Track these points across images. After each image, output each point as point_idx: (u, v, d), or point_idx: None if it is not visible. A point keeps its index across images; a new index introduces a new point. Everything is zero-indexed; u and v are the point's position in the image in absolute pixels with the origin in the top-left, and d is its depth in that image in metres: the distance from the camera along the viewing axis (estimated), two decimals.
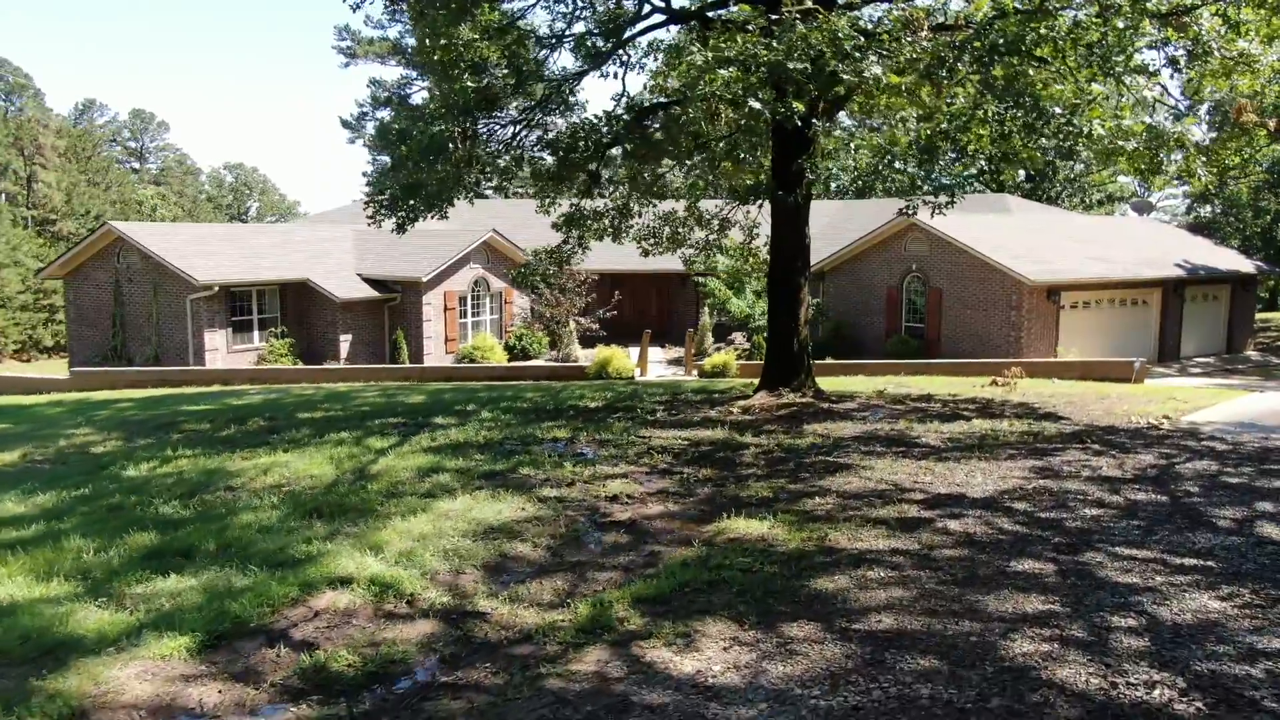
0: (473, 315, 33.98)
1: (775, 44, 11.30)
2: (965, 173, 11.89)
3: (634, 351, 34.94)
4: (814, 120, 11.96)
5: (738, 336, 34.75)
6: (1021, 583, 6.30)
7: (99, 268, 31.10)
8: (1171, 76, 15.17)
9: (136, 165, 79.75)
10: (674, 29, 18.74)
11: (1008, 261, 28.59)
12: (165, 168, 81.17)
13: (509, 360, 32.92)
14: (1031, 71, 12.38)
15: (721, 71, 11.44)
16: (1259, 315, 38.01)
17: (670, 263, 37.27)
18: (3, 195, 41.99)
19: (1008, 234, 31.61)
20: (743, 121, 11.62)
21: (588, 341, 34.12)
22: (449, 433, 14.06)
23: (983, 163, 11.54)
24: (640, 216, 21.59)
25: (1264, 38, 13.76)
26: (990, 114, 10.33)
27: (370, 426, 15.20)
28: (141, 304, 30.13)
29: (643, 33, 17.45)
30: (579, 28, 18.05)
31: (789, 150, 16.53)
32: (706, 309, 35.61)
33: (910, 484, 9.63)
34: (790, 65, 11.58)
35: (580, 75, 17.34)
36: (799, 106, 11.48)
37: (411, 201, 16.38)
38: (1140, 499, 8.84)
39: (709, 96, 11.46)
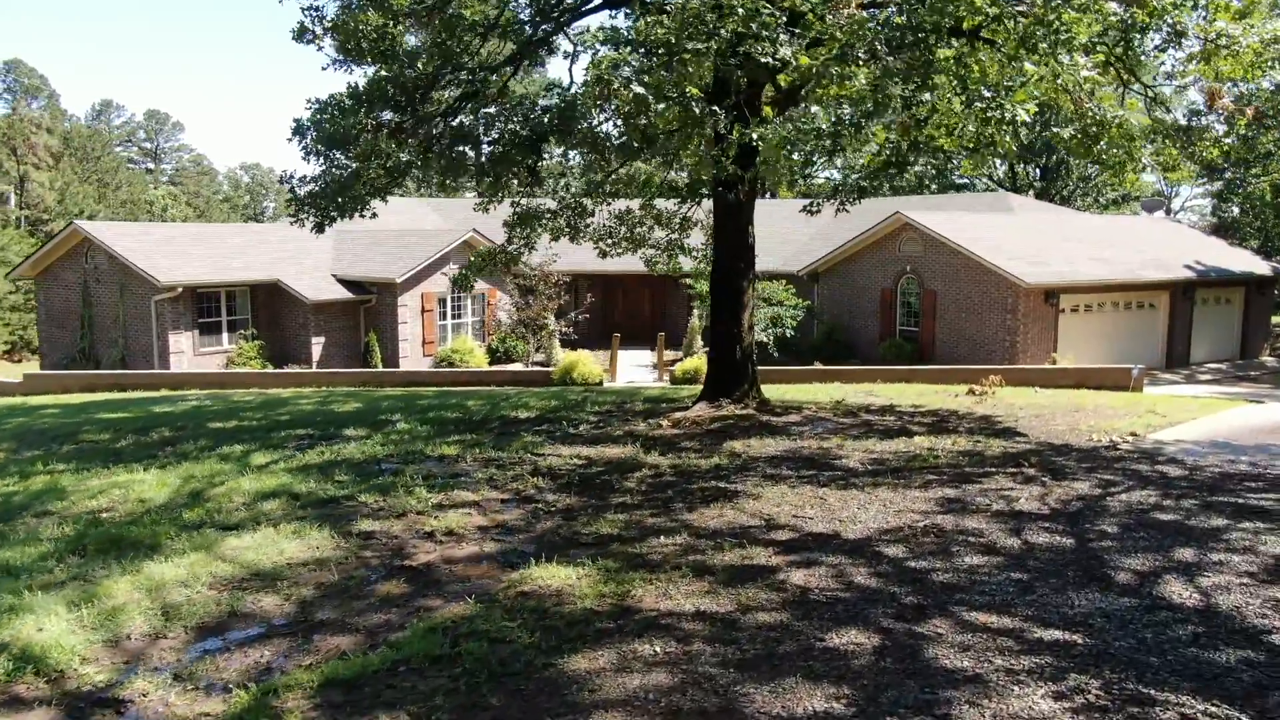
0: (453, 317, 32.97)
1: (668, 21, 10.12)
2: (868, 166, 10.60)
3: (624, 354, 33.81)
4: (715, 109, 10.70)
5: None
6: (821, 665, 5.08)
7: (68, 268, 30.49)
8: (1143, 59, 13.74)
9: (151, 166, 79.82)
10: (617, 14, 17.55)
11: (1002, 262, 27.12)
12: (180, 168, 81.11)
13: (490, 364, 31.92)
14: (984, 55, 11.10)
15: (608, 52, 10.28)
16: (1277, 319, 36.02)
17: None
18: None
19: (1008, 234, 30.11)
20: (628, 108, 10.44)
21: (581, 344, 33.06)
22: (345, 447, 13.03)
23: (888, 154, 10.23)
24: (595, 215, 20.48)
25: (1234, 14, 12.36)
26: (895, 97, 9.07)
27: (272, 439, 14.18)
28: (109, 305, 29.45)
29: (579, 16, 16.27)
30: (525, 15, 16.91)
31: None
32: (696, 311, 34.35)
33: (787, 519, 8.40)
34: (689, 45, 10.39)
35: (510, 64, 16.21)
36: (694, 92, 10.28)
37: (322, 201, 15.36)
38: (1040, 542, 7.55)
39: (597, 81, 10.29)
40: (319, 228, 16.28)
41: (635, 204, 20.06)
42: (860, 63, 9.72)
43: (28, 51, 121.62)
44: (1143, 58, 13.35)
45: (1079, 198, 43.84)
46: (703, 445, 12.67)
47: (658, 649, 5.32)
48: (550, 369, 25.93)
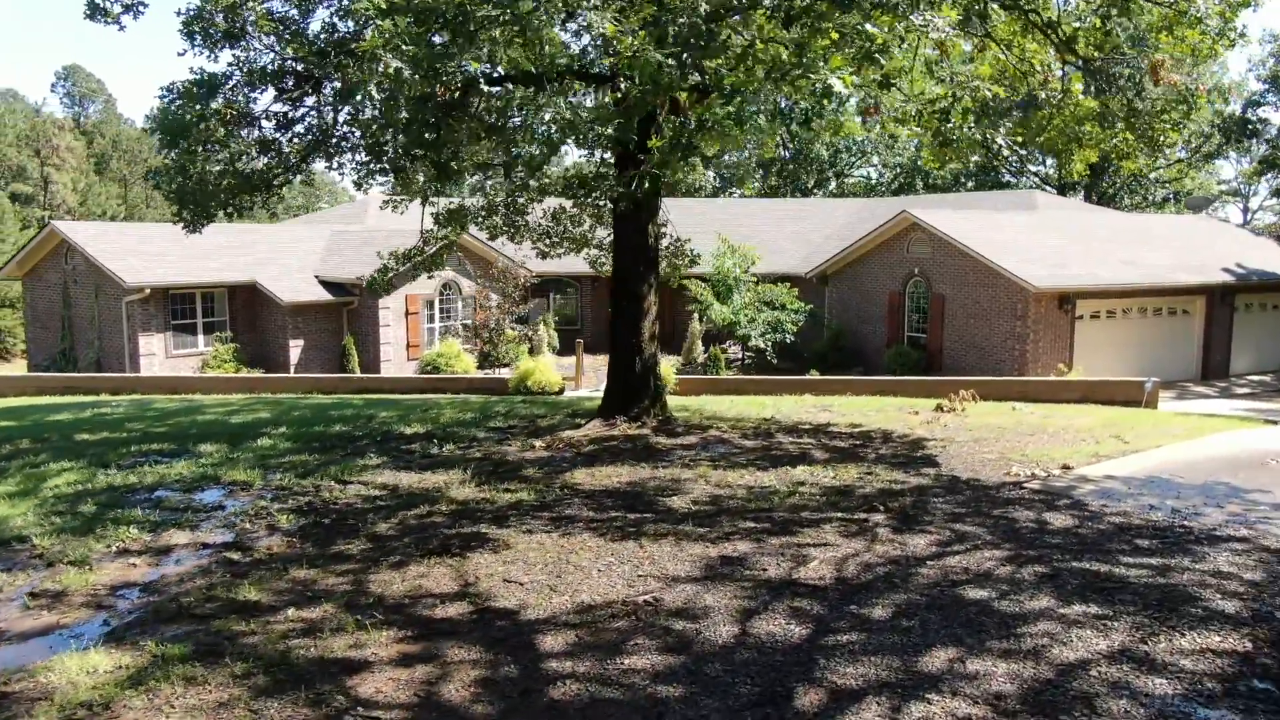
0: (441, 320, 31.73)
1: None
2: (658, 150, 8.83)
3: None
4: (489, 88, 9.05)
5: (732, 345, 31.80)
6: None
7: (50, 269, 30.16)
8: (1075, 25, 11.65)
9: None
10: None
11: (1011, 264, 24.74)
12: None
13: (477, 368, 30.65)
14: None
15: (384, 23, 8.75)
16: None
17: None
18: (7, 195, 42.29)
19: (1027, 234, 27.64)
20: (388, 89, 8.86)
21: (585, 349, 31.60)
22: (164, 467, 11.86)
23: (671, 135, 8.44)
24: (530, 213, 19.04)
25: None
26: (659, 65, 7.30)
27: (115, 455, 13.03)
28: (86, 306, 29.00)
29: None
30: None
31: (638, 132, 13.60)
32: (696, 315, 32.50)
33: (495, 583, 6.78)
34: (478, 13, 8.79)
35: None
36: (476, 66, 8.66)
37: (188, 199, 14.19)
38: (764, 633, 5.79)
39: (370, 57, 8.75)
40: (192, 227, 15.11)
41: (568, 202, 18.53)
42: (651, 28, 8.00)
43: (87, 57, 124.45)
44: (1075, 23, 11.30)
45: (1124, 196, 40.58)
46: (543, 473, 11.08)
47: None
48: (496, 377, 24.60)
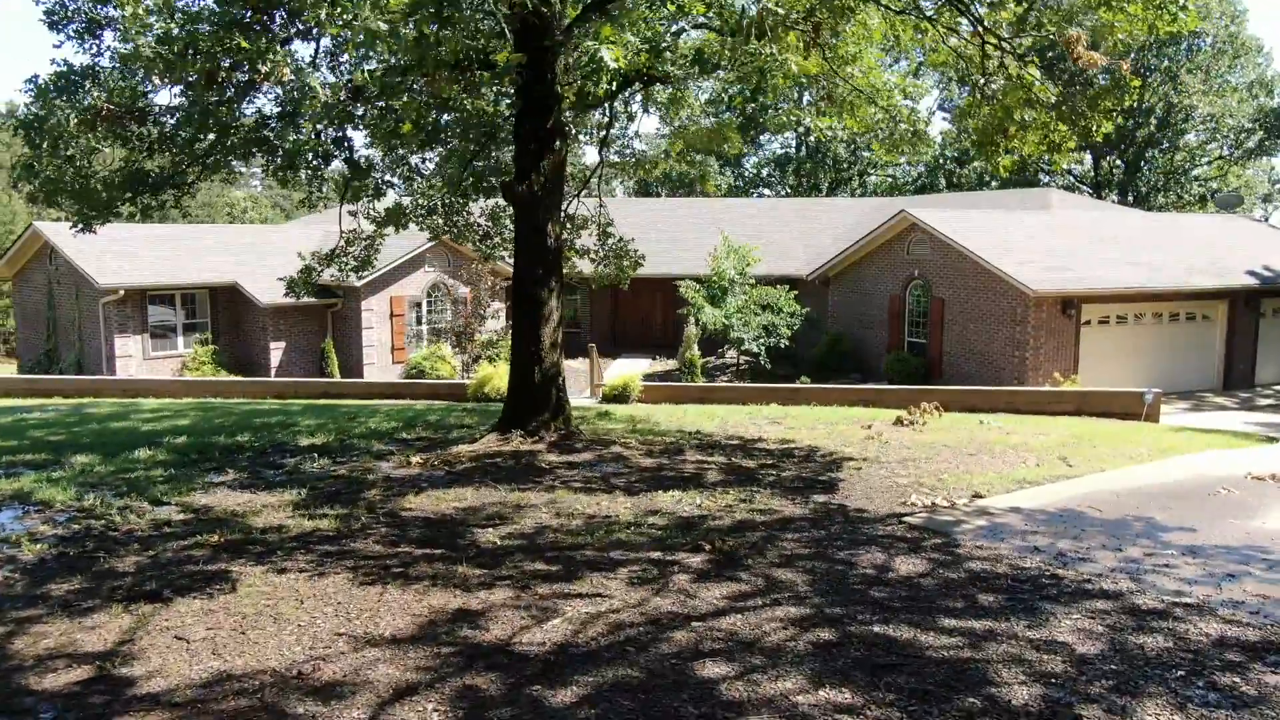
0: (429, 323, 30.96)
1: None
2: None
3: (619, 363, 31.05)
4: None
5: (729, 350, 30.59)
6: None
7: (37, 270, 30.06)
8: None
9: (242, 169, 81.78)
10: None
11: (1010, 266, 23.15)
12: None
13: (462, 372, 29.83)
14: None
15: None
16: None
17: (673, 266, 33.29)
18: (24, 197, 42.57)
19: (1033, 235, 25.94)
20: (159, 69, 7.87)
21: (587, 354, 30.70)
22: (17, 480, 11.09)
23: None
24: (471, 214, 18.19)
25: None
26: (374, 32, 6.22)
27: None
28: (68, 307, 28.80)
29: None
30: None
31: (532, 125, 12.56)
32: (691, 319, 31.22)
33: (158, 642, 5.77)
34: None
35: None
36: (250, 45, 7.62)
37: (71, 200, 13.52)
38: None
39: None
40: (86, 227, 14.44)
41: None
42: None
43: None
44: None
45: (1157, 195, 38.14)
46: (384, 495, 10.08)
47: None
48: (456, 383, 23.67)
